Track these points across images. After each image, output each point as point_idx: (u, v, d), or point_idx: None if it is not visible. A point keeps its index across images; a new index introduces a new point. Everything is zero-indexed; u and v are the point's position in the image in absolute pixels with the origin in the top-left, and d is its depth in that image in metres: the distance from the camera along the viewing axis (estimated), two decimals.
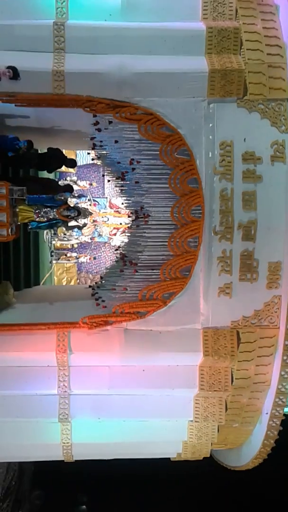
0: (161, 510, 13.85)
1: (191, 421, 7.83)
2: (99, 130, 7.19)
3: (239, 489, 12.44)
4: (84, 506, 15.41)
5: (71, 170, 13.62)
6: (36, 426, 7.86)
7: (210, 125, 6.97)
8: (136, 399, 7.72)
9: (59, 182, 11.43)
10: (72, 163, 10.10)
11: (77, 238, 13.94)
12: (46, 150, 9.33)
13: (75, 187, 13.24)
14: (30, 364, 7.46)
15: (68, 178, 13.66)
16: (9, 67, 6.84)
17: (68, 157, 9.85)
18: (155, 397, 7.70)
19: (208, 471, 9.86)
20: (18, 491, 12.75)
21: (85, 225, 12.30)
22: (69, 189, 9.92)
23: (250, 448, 8.16)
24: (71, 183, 12.25)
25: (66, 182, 11.77)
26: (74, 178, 13.89)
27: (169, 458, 8.68)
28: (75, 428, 7.80)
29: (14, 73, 6.86)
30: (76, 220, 9.18)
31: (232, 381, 7.45)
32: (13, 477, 12.57)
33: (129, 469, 10.43)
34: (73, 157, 11.76)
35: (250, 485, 11.28)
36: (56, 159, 9.22)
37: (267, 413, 7.61)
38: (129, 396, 7.70)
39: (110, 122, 7.10)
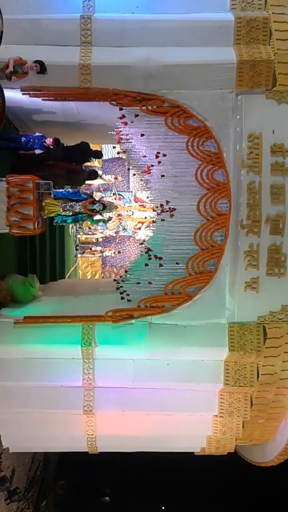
0: (184, 503, 13.89)
1: (216, 416, 7.79)
2: (125, 123, 7.16)
3: (262, 485, 12.36)
4: (107, 498, 15.60)
5: (96, 163, 13.67)
6: (61, 418, 7.95)
7: (238, 117, 6.86)
8: (160, 392, 7.71)
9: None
10: (98, 155, 10.11)
11: (102, 232, 14.00)
12: (72, 144, 9.37)
13: (100, 181, 13.30)
14: (56, 356, 7.52)
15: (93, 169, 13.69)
16: (36, 62, 6.85)
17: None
18: (179, 391, 7.68)
19: (232, 465, 9.79)
20: (43, 481, 12.94)
21: (110, 219, 12.36)
22: (94, 174, 9.94)
23: (275, 444, 8.09)
24: (96, 170, 12.23)
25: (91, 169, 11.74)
26: (100, 172, 13.93)
27: (193, 452, 8.66)
28: (100, 420, 7.86)
29: (41, 68, 6.87)
30: (101, 214, 9.21)
31: (258, 376, 7.36)
32: (38, 468, 12.75)
33: (152, 462, 10.47)
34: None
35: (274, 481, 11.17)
36: (83, 152, 9.25)
37: None
38: (153, 389, 7.70)
39: (136, 115, 7.06)
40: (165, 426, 7.96)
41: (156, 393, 7.69)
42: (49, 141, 8.48)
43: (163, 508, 15.08)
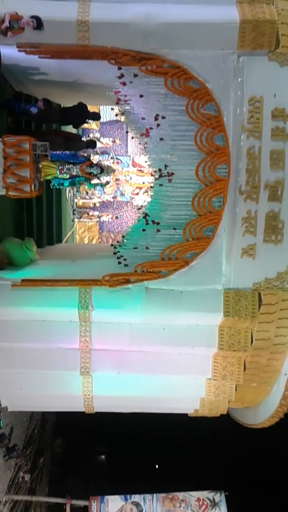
0: (176, 462, 14.36)
1: (210, 379, 7.95)
2: (124, 83, 6.97)
3: (254, 446, 12.75)
4: (103, 456, 16.10)
5: (94, 126, 13.43)
6: (59, 378, 8.11)
7: (239, 79, 6.67)
8: (156, 356, 7.84)
9: (82, 139, 11.25)
10: (95, 116, 9.90)
11: (99, 197, 13.90)
12: (69, 105, 9.17)
13: (98, 144, 13.08)
14: (53, 319, 7.61)
15: (91, 135, 13.48)
16: (32, 17, 6.63)
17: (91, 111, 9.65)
18: (175, 354, 7.81)
19: (224, 428, 10.08)
20: (40, 440, 13.31)
21: (107, 183, 12.23)
22: (92, 144, 9.79)
23: (267, 407, 8.29)
24: (94, 139, 12.05)
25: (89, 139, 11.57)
26: (97, 135, 13.70)
27: (187, 414, 8.89)
28: (96, 381, 8.02)
29: (38, 23, 6.65)
30: (98, 178, 9.11)
31: (251, 341, 7.47)
32: (36, 426, 13.10)
33: (147, 423, 10.75)
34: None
35: (265, 443, 11.53)
36: (81, 113, 9.05)
37: (285, 374, 7.67)
38: (149, 352, 7.83)
39: (135, 76, 6.86)
40: (160, 388, 8.14)
41: (151, 356, 7.82)
42: (40, 102, 8.32)
43: (156, 466, 15.59)
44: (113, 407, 8.87)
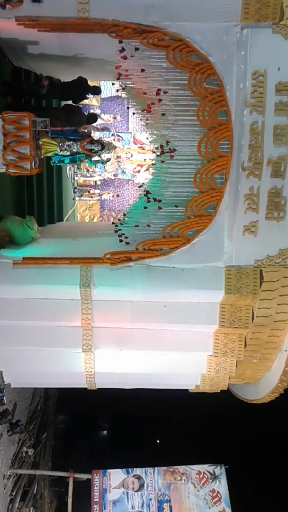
0: (177, 437, 14.60)
1: (210, 355, 8.02)
2: (124, 57, 6.83)
3: (254, 421, 12.95)
4: (104, 432, 16.37)
5: (94, 102, 13.23)
6: (61, 355, 8.18)
7: (243, 53, 6.51)
8: (157, 333, 7.89)
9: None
10: (96, 91, 9.73)
11: (100, 175, 13.79)
12: (69, 80, 9.01)
13: (98, 120, 12.91)
14: (55, 296, 7.62)
15: (91, 111, 13.29)
16: None
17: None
18: (176, 332, 7.86)
19: (225, 403, 10.21)
20: (43, 415, 13.51)
21: (108, 160, 12.11)
22: (93, 117, 9.65)
23: (267, 383, 8.38)
24: (95, 112, 11.86)
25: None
26: (98, 111, 13.51)
27: (188, 390, 9.00)
28: (98, 358, 8.09)
29: None
30: (99, 155, 9.01)
31: (252, 318, 7.51)
32: (38, 402, 13.29)
33: (148, 399, 10.89)
34: None
35: (265, 417, 11.69)
36: (81, 88, 8.91)
37: (286, 351, 7.73)
38: (150, 330, 7.88)
39: (136, 49, 6.72)
40: (161, 365, 8.22)
41: (153, 333, 7.87)
42: (45, 82, 8.18)
43: (157, 441, 15.87)
44: (115, 384, 8.97)
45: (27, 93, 8.56)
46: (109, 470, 10.70)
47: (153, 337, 7.90)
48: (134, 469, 10.69)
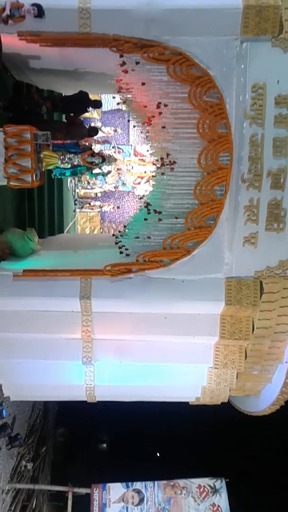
0: (178, 450, 14.47)
1: (211, 367, 7.99)
2: (125, 71, 6.92)
3: (255, 434, 12.85)
4: (104, 445, 16.23)
5: (95, 115, 13.35)
6: (61, 368, 8.14)
7: (242, 66, 6.60)
8: (157, 345, 7.87)
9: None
10: (97, 104, 9.84)
11: (100, 187, 13.86)
12: (70, 93, 9.11)
13: (99, 133, 13.02)
14: (55, 308, 7.60)
15: (92, 124, 13.41)
16: (33, 5, 6.54)
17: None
18: (176, 343, 7.83)
19: (225, 416, 10.14)
20: (42, 429, 13.40)
21: (109, 172, 12.18)
22: (94, 131, 9.73)
23: (268, 395, 8.34)
24: (96, 126, 11.98)
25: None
26: (99, 124, 13.63)
27: (188, 402, 8.94)
28: (98, 371, 8.05)
29: (39, 11, 6.56)
30: (100, 167, 9.07)
31: (253, 330, 7.49)
32: (38, 416, 13.18)
33: (148, 411, 10.81)
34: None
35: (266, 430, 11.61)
36: (82, 102, 9.00)
37: (286, 362, 7.71)
38: (150, 342, 7.85)
39: (137, 63, 6.81)
40: (161, 377, 8.18)
41: (153, 345, 7.85)
42: (48, 104, 8.28)
43: (157, 454, 15.73)
44: (114, 396, 8.91)
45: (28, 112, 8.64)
46: (108, 484, 10.56)
47: (153, 349, 7.88)
48: (134, 483, 10.55)
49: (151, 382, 8.28)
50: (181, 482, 10.47)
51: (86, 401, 8.72)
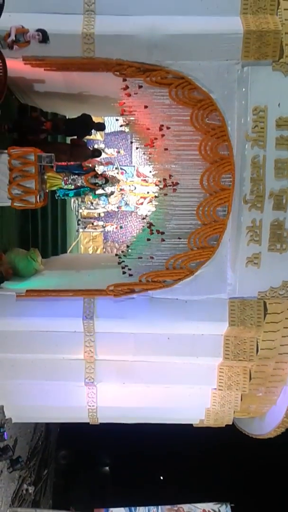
0: (181, 474, 14.22)
1: (215, 389, 7.90)
2: (128, 94, 7.04)
3: (260, 457, 12.63)
4: (107, 467, 15.97)
5: (99, 137, 13.51)
6: (63, 389, 8.06)
7: (243, 89, 6.72)
8: (161, 366, 7.80)
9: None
10: (100, 127, 9.98)
11: (103, 207, 13.96)
12: (74, 116, 9.25)
13: (103, 155, 13.15)
14: (58, 329, 7.58)
15: (95, 146, 13.57)
16: (38, 30, 6.69)
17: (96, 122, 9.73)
18: (180, 364, 7.77)
19: (230, 439, 9.99)
20: (44, 451, 13.21)
21: (112, 193, 12.28)
22: (97, 152, 9.84)
23: (273, 417, 8.22)
24: (100, 148, 12.14)
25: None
26: (102, 145, 13.79)
27: (192, 424, 8.82)
28: (101, 392, 7.98)
29: (44, 36, 6.70)
30: (103, 188, 9.16)
31: (257, 351, 7.44)
32: (40, 438, 13.01)
33: (151, 433, 10.67)
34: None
35: (271, 453, 11.42)
36: (85, 124, 9.13)
37: None
38: (153, 363, 7.79)
39: (140, 87, 6.93)
40: (164, 398, 8.09)
41: (156, 366, 7.78)
42: (47, 125, 8.39)
43: (161, 477, 15.45)
44: (117, 418, 8.80)
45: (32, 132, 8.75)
46: (111, 509, 10.39)
47: (157, 370, 7.81)
48: (137, 507, 10.35)
49: (155, 404, 8.19)
50: (185, 507, 10.28)
51: (88, 423, 8.61)
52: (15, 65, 7.15)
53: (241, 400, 8.01)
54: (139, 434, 10.67)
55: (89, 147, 10.83)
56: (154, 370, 7.82)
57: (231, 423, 8.57)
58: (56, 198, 9.34)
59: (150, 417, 8.76)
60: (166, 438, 11.87)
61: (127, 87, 7.00)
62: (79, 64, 6.91)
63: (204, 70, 6.74)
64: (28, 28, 6.69)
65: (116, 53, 6.81)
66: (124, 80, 6.95)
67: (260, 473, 13.77)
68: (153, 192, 12.50)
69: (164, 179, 7.35)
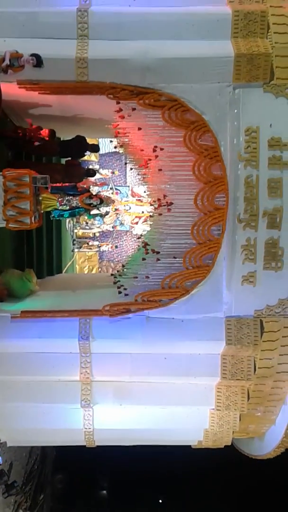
0: (181, 496, 13.98)
1: (213, 409, 7.82)
2: (122, 117, 7.14)
3: (259, 477, 12.46)
4: (104, 491, 15.68)
5: (93, 158, 13.64)
6: (59, 411, 7.95)
7: (235, 110, 6.83)
8: (158, 386, 7.72)
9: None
10: (95, 148, 10.09)
11: (99, 227, 14.01)
12: (69, 138, 9.35)
13: (97, 175, 13.27)
14: (53, 350, 7.51)
15: (90, 166, 13.69)
16: (32, 55, 6.78)
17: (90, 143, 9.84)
18: (177, 384, 7.70)
19: (229, 459, 9.86)
20: (40, 475, 12.99)
21: (107, 213, 12.35)
22: (91, 172, 9.91)
23: (272, 437, 8.13)
24: (94, 168, 12.25)
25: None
26: (96, 166, 13.91)
27: (190, 446, 8.71)
28: (97, 414, 7.88)
29: (38, 61, 6.80)
30: (98, 209, 9.21)
31: (254, 370, 7.39)
32: (35, 461, 12.81)
33: (149, 456, 10.53)
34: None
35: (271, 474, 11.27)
36: (80, 146, 9.23)
37: None
38: (150, 383, 7.72)
39: (133, 109, 7.03)
40: (162, 420, 7.98)
41: (153, 386, 7.71)
42: (44, 132, 8.45)
43: (160, 501, 15.18)
44: (114, 441, 8.69)
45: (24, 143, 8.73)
46: None
47: (154, 390, 7.73)
48: None
49: (152, 426, 8.08)
50: None
51: (85, 446, 8.49)
52: (10, 89, 7.26)
53: (240, 420, 7.92)
54: (137, 456, 10.52)
55: (84, 167, 10.91)
56: (151, 391, 7.75)
57: (230, 443, 8.46)
58: (51, 218, 9.37)
59: (147, 439, 8.64)
60: (165, 460, 11.71)
61: (120, 110, 7.10)
62: (73, 87, 7.01)
63: (197, 92, 6.84)
64: (22, 53, 6.80)
65: (109, 77, 6.91)
66: (118, 103, 7.05)
67: (260, 494, 13.57)
68: (148, 212, 12.58)
69: (159, 199, 7.41)
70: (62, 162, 10.82)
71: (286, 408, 7.69)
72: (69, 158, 9.56)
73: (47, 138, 8.45)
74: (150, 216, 7.87)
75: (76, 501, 14.68)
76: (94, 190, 12.58)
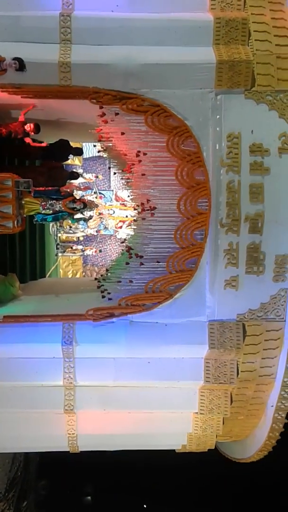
0: (165, 501, 13.96)
1: (196, 413, 7.84)
2: (105, 121, 7.15)
3: (242, 481, 12.50)
4: (89, 497, 15.58)
5: (77, 162, 13.63)
6: (42, 417, 7.91)
7: (217, 116, 6.90)
8: (141, 391, 7.74)
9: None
10: (78, 152, 10.07)
11: (82, 231, 13.99)
12: (52, 142, 9.32)
13: (81, 179, 13.26)
14: (36, 355, 7.48)
15: (74, 170, 13.66)
16: (15, 59, 6.79)
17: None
18: (161, 389, 7.72)
19: (212, 462, 9.89)
20: (23, 482, 12.88)
21: (91, 217, 12.33)
22: (74, 175, 9.89)
23: (255, 440, 8.18)
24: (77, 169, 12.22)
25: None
26: (80, 170, 13.90)
27: (174, 450, 8.71)
28: (81, 419, 7.84)
29: (20, 65, 6.81)
30: (82, 213, 9.19)
31: (237, 373, 7.44)
32: (18, 468, 12.69)
33: (134, 460, 10.50)
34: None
35: (254, 476, 11.32)
36: (63, 149, 9.20)
37: (272, 406, 7.62)
38: (134, 388, 7.72)
39: (116, 114, 7.05)
40: (146, 424, 8.00)
41: (137, 391, 7.71)
42: (29, 127, 8.38)
43: (144, 506, 15.14)
44: (98, 446, 8.65)
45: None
46: None
47: (138, 395, 7.74)
48: None
49: (136, 430, 8.08)
50: None
51: (69, 451, 8.43)
52: None
53: (223, 423, 7.98)
54: (122, 460, 10.48)
55: (67, 170, 10.88)
56: (135, 396, 7.75)
57: (213, 447, 8.50)
58: (34, 222, 9.32)
59: (132, 444, 8.63)
60: (150, 464, 11.68)
61: (103, 114, 7.11)
62: (56, 92, 7.00)
63: (179, 98, 6.90)
64: (4, 56, 6.78)
65: (92, 81, 6.92)
66: (101, 107, 7.06)
67: (250, 501, 13.61)
68: (131, 216, 12.61)
69: (142, 204, 7.43)
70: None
71: (268, 411, 7.74)
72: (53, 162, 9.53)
73: (32, 133, 8.38)
74: (134, 220, 7.87)
75: (60, 508, 14.54)
76: (77, 194, 12.59)
